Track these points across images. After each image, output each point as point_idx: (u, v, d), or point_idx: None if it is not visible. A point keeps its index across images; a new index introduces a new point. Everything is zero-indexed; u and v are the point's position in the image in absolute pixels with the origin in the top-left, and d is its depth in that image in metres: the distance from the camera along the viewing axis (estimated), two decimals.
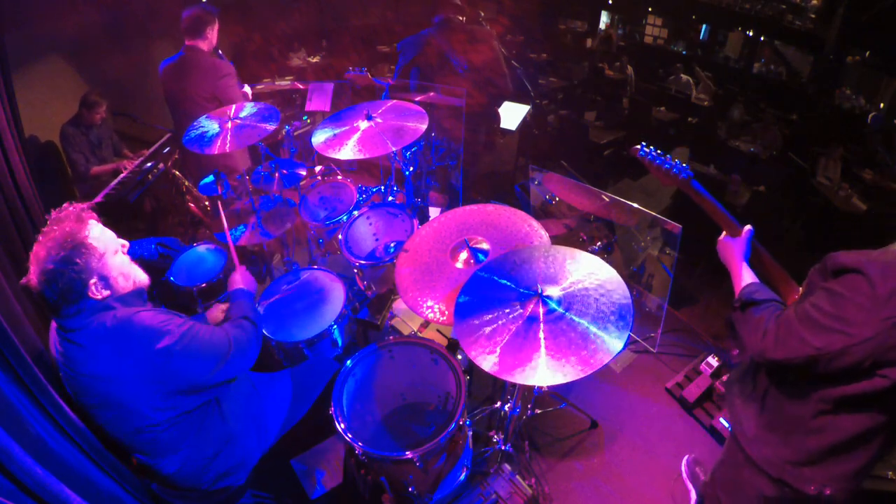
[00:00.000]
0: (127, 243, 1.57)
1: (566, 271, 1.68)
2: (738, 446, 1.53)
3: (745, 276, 1.48)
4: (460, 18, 3.52)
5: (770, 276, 1.54)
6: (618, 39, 7.25)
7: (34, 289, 1.37)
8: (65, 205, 1.47)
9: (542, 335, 1.50)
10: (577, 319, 1.53)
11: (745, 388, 1.51)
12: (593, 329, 1.50)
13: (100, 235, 1.47)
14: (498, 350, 1.50)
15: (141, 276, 1.59)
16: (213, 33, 3.13)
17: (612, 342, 1.46)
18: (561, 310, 1.56)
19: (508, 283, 1.68)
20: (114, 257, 1.49)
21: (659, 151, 1.60)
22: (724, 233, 1.58)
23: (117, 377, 1.39)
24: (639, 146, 1.63)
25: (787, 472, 1.39)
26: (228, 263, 2.53)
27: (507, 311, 1.60)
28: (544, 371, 1.43)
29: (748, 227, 1.54)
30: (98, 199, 3.33)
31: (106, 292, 1.45)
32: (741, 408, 1.51)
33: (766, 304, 1.35)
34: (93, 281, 1.41)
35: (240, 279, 1.92)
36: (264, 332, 2.18)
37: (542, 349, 1.47)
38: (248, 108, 2.58)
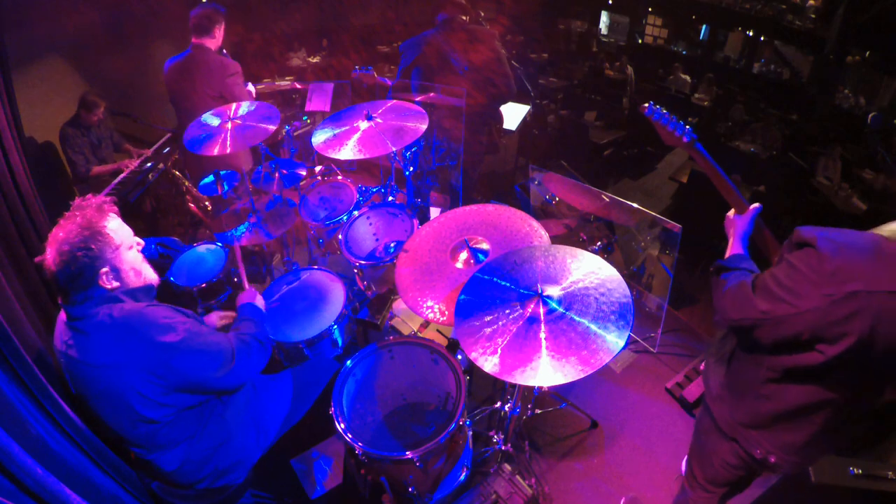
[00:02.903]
0: (142, 241, 1.60)
1: (566, 271, 1.68)
2: (706, 408, 1.60)
3: (735, 248, 1.52)
4: (463, 18, 3.51)
5: (770, 253, 1.57)
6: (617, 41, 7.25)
7: (48, 269, 1.39)
8: (88, 195, 1.51)
9: (542, 335, 1.50)
10: (577, 319, 1.53)
11: (719, 350, 1.59)
12: (594, 328, 1.49)
13: (117, 228, 1.50)
14: (499, 351, 1.50)
15: (152, 275, 1.62)
16: (220, 32, 3.12)
17: (613, 341, 1.45)
18: (561, 309, 1.56)
19: (508, 284, 1.68)
20: (128, 252, 1.52)
21: (665, 111, 1.63)
22: (732, 210, 1.61)
23: (118, 366, 1.40)
24: (647, 105, 1.65)
25: (739, 433, 1.47)
26: (228, 265, 2.53)
27: (508, 311, 1.59)
28: (545, 371, 1.42)
29: (755, 205, 1.56)
30: None
31: (115, 283, 1.47)
32: (711, 367, 1.59)
33: (736, 271, 1.40)
34: (104, 270, 1.43)
35: (247, 297, 1.92)
36: None
37: (543, 349, 1.47)
38: (245, 107, 2.57)
